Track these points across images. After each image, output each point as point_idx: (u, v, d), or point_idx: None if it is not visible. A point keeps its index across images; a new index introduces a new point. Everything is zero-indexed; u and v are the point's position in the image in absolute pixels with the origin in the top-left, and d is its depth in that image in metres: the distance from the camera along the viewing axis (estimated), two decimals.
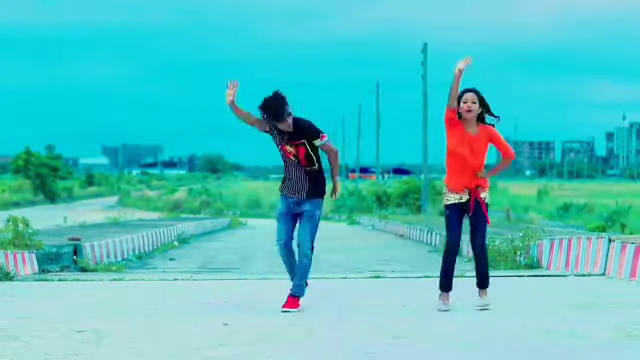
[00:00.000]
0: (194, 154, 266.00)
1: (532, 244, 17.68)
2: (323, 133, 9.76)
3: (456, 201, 9.72)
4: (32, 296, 12.13)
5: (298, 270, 9.83)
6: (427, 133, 56.29)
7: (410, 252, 26.79)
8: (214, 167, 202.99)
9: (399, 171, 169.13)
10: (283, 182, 9.99)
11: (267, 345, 7.66)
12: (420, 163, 61.09)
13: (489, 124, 9.76)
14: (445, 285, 9.82)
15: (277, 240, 10.00)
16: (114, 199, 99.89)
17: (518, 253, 17.72)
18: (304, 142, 9.76)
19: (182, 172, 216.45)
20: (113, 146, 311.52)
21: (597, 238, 15.00)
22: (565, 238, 16.45)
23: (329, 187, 9.94)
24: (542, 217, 47.71)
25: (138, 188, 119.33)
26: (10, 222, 17.43)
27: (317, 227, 9.85)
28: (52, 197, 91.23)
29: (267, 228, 50.43)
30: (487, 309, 9.70)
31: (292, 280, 9.93)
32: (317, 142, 9.75)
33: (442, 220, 44.62)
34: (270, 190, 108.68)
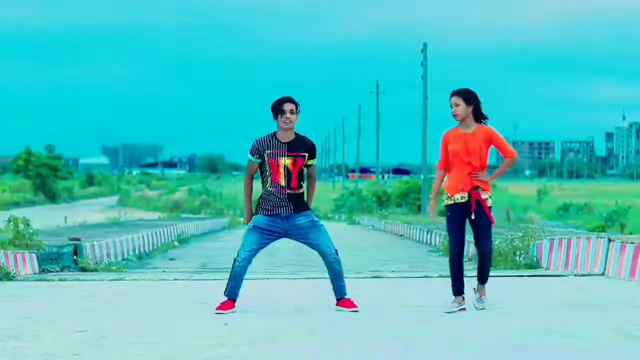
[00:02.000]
0: (194, 154, 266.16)
1: (531, 244, 17.68)
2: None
3: (455, 202, 9.60)
4: (32, 296, 12.13)
5: (336, 275, 9.75)
6: (426, 133, 56.33)
7: (410, 252, 26.80)
8: (214, 167, 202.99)
9: (399, 171, 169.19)
10: (259, 204, 9.72)
11: (267, 345, 7.67)
12: (419, 163, 61.12)
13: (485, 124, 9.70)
14: (455, 289, 9.69)
15: (243, 250, 9.75)
16: (114, 199, 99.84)
17: (518, 253, 17.72)
18: (305, 155, 9.64)
19: (182, 172, 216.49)
20: (113, 146, 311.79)
21: (597, 238, 15.01)
22: (564, 238, 16.45)
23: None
24: (542, 217, 47.74)
25: (138, 188, 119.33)
26: (11, 222, 17.42)
27: (327, 231, 9.82)
28: (52, 197, 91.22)
29: None
30: (484, 308, 9.67)
31: (229, 288, 9.74)
32: (313, 161, 9.71)
33: (441, 221, 44.60)
34: None
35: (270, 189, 9.63)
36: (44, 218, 35.18)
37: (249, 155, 9.70)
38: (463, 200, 9.59)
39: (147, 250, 25.64)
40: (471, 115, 9.61)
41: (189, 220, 43.03)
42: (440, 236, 27.86)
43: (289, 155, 9.60)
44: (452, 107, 9.60)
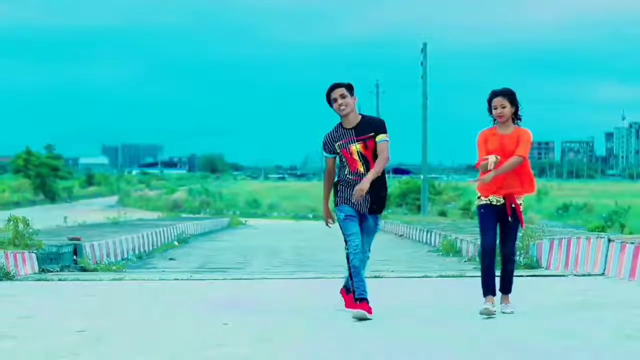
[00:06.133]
0: (193, 154, 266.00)
1: (531, 244, 17.68)
2: (388, 134, 9.30)
3: (490, 202, 9.41)
4: (32, 296, 12.13)
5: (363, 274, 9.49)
6: (426, 133, 56.40)
7: (409, 252, 26.80)
8: (214, 167, 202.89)
9: (398, 171, 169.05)
10: (337, 190, 9.37)
11: (267, 345, 7.68)
12: (419, 163, 61.15)
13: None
14: (487, 289, 9.42)
15: (350, 239, 9.28)
16: (113, 199, 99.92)
17: (517, 253, 17.72)
18: (372, 135, 9.20)
19: (182, 172, 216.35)
20: (113, 146, 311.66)
21: (597, 238, 15.01)
22: (564, 238, 16.46)
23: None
24: (542, 217, 47.78)
25: (138, 188, 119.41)
26: (11, 222, 17.42)
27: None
28: (52, 197, 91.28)
29: (267, 228, 50.43)
30: (512, 312, 9.50)
31: (356, 288, 9.29)
32: (381, 137, 9.18)
33: (440, 220, 44.30)
34: (269, 190, 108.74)
35: (349, 177, 9.27)
36: (44, 218, 35.19)
37: (323, 153, 9.40)
38: (498, 204, 9.42)
39: (146, 250, 25.64)
40: (512, 116, 9.48)
41: (188, 220, 43.02)
42: (439, 236, 27.87)
43: (358, 140, 9.22)
44: (495, 108, 9.38)
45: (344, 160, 9.30)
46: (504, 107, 9.41)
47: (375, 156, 9.24)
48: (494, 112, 9.45)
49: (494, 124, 9.55)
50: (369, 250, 9.60)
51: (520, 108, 9.51)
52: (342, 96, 9.25)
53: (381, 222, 9.61)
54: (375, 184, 9.22)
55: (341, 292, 9.88)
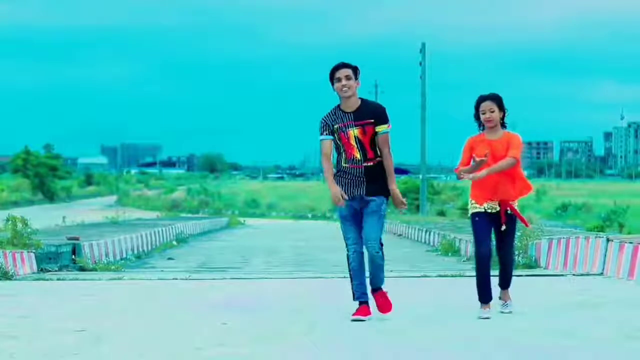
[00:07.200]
0: (192, 154, 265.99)
1: (530, 243, 17.69)
2: (390, 123, 9.03)
3: (485, 210, 9.36)
4: (31, 295, 12.13)
5: (373, 266, 9.11)
6: (425, 133, 56.50)
7: (408, 251, 26.80)
8: (213, 166, 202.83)
9: (397, 171, 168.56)
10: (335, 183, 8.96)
11: (267, 345, 7.68)
12: (418, 163, 61.18)
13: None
14: (484, 297, 9.42)
15: (349, 243, 9.03)
16: (112, 199, 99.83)
17: (516, 253, 17.74)
18: (373, 121, 8.87)
19: (181, 171, 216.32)
20: (112, 146, 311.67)
21: (595, 238, 15.03)
22: (563, 238, 16.48)
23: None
24: (541, 217, 47.76)
25: (137, 187, 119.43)
26: (9, 222, 17.42)
27: (383, 223, 9.11)
28: (51, 197, 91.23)
29: (266, 227, 50.43)
30: (510, 312, 9.52)
31: (354, 291, 9.07)
32: (382, 128, 8.88)
33: (439, 220, 44.30)
34: (268, 190, 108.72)
35: (346, 165, 8.93)
36: (43, 217, 35.17)
37: (320, 135, 9.00)
38: (494, 211, 9.36)
39: (145, 250, 25.65)
40: (500, 121, 9.41)
41: (187, 220, 43.02)
42: (438, 236, 27.87)
43: (357, 125, 8.87)
44: (484, 113, 9.30)
45: (340, 146, 8.97)
46: (492, 112, 9.34)
47: (372, 143, 8.95)
48: (482, 117, 9.38)
49: (480, 130, 9.50)
50: (381, 246, 9.04)
51: (506, 113, 9.48)
52: (347, 77, 8.92)
53: (385, 205, 9.03)
54: (370, 172, 8.96)
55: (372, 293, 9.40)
